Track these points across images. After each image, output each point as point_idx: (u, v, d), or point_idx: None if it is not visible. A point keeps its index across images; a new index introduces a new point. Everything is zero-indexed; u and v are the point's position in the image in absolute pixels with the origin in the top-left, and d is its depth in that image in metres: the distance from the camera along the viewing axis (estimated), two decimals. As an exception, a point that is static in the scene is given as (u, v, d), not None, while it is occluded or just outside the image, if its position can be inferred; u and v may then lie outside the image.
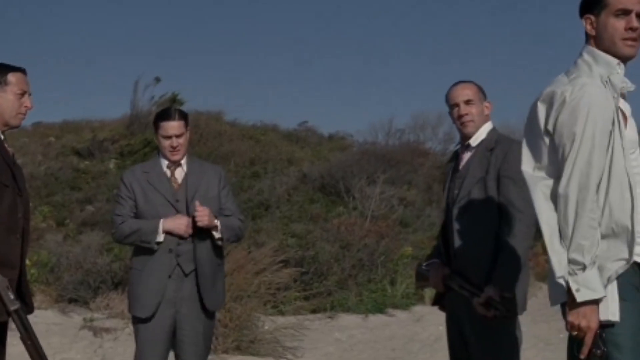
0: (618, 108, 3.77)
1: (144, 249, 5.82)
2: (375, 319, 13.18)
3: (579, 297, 3.65)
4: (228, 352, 10.11)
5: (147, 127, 24.87)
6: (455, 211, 5.15)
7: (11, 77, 5.14)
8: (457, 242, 5.12)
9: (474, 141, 5.23)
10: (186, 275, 5.80)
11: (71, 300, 12.59)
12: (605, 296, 3.67)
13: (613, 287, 3.73)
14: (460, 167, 5.27)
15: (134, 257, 5.99)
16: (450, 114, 5.36)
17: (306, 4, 57.10)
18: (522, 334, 5.16)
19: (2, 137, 5.10)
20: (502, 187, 4.99)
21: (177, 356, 5.97)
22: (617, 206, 3.73)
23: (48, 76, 51.07)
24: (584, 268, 3.65)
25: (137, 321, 5.90)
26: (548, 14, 55.79)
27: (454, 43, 55.50)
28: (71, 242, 16.28)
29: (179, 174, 5.97)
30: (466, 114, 5.22)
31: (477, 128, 5.23)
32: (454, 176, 5.31)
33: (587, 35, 3.89)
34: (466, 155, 5.27)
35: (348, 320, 12.88)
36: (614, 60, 3.80)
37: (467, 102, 5.23)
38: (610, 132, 3.72)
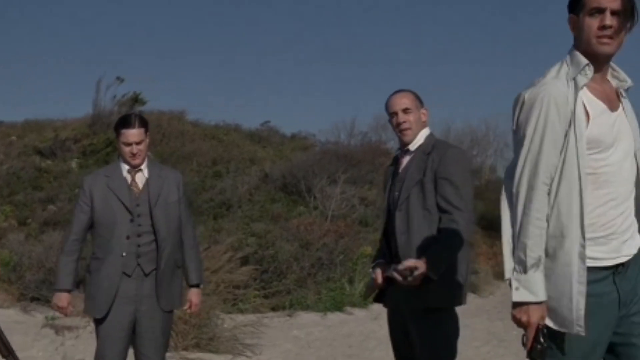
0: (583, 107, 3.77)
1: (98, 252, 6.11)
2: (334, 317, 13.36)
3: (515, 297, 3.73)
4: (188, 349, 10.24)
5: (110, 127, 24.79)
6: (396, 213, 5.37)
7: None
8: (399, 242, 5.32)
9: (412, 146, 5.46)
10: (146, 275, 6.07)
11: (33, 299, 12.71)
12: (544, 300, 3.71)
13: None
14: (400, 170, 5.49)
15: (91, 260, 6.22)
16: (390, 121, 5.61)
17: (269, 3, 57.14)
18: (459, 326, 5.37)
19: None
20: (439, 187, 5.21)
21: (136, 351, 6.18)
22: (565, 208, 3.75)
23: (10, 75, 50.97)
24: (525, 268, 3.72)
25: (96, 320, 6.13)
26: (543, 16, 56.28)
27: (419, 45, 55.77)
28: (33, 242, 16.30)
29: (140, 179, 6.19)
30: (404, 122, 5.47)
31: (415, 135, 5.48)
32: (394, 179, 5.54)
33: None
34: (405, 159, 5.50)
35: (307, 318, 13.05)
36: (584, 62, 3.81)
37: (405, 110, 5.47)
38: (566, 132, 3.74)
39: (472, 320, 11.62)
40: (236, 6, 56.52)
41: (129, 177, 6.19)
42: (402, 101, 5.50)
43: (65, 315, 6.35)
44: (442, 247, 5.15)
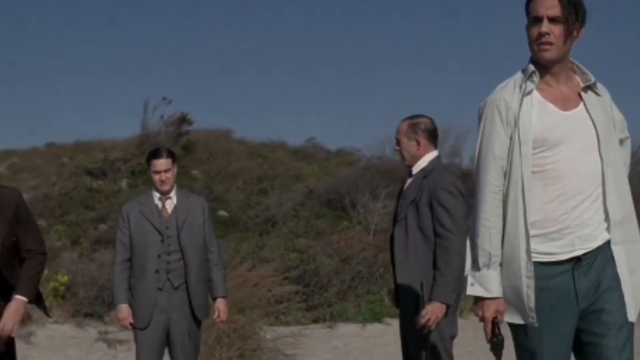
0: (528, 110, 3.90)
1: (136, 271, 6.98)
2: (372, 327, 13.60)
3: (469, 291, 4.01)
4: (232, 359, 10.75)
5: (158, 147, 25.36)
6: (395, 228, 5.94)
7: None
8: (396, 256, 5.89)
9: (415, 169, 6.01)
10: (175, 288, 6.94)
11: (87, 315, 13.27)
12: (498, 297, 3.93)
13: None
14: (404, 189, 6.05)
15: (130, 279, 7.04)
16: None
17: (314, 20, 57.53)
18: (456, 333, 5.99)
19: None
20: (435, 212, 5.73)
21: (171, 356, 7.03)
22: (511, 207, 3.91)
23: (60, 97, 51.81)
24: (478, 266, 3.96)
25: (136, 329, 6.96)
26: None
27: (463, 56, 55.87)
28: (86, 260, 16.83)
29: (169, 205, 7.07)
30: (399, 151, 6.14)
31: (414, 159, 6.03)
32: (399, 198, 6.11)
33: None
34: (408, 181, 6.05)
35: (346, 329, 13.39)
36: (530, 69, 3.94)
37: (396, 140, 6.13)
38: (511, 135, 3.92)
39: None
40: (279, 25, 57.01)
41: (160, 204, 7.07)
42: (400, 129, 6.13)
43: (127, 325, 6.97)
44: (444, 277, 5.63)
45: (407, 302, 5.89)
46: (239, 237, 20.02)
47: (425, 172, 5.93)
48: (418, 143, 6.00)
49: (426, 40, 57.39)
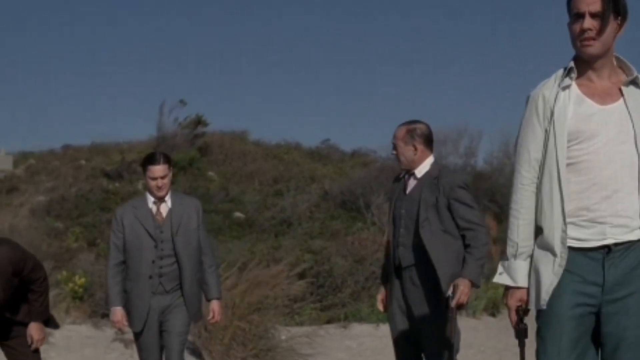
0: (564, 105, 3.97)
1: (131, 274, 6.94)
2: (386, 327, 13.05)
3: (496, 279, 4.13)
4: (247, 359, 10.86)
5: (174, 149, 25.52)
6: (421, 231, 6.07)
7: None
8: (436, 256, 6.02)
9: (419, 172, 6.24)
10: (167, 292, 6.92)
11: (103, 315, 13.34)
12: (523, 287, 4.03)
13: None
14: (408, 192, 6.26)
15: (125, 282, 7.01)
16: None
17: (329, 23, 57.61)
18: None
19: None
20: (456, 210, 6.02)
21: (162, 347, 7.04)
22: (547, 197, 3.97)
23: (77, 99, 52.01)
24: (508, 256, 4.06)
25: (135, 333, 7.03)
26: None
27: (476, 58, 55.81)
28: (102, 262, 16.92)
29: (164, 209, 6.98)
30: (396, 155, 6.35)
31: (411, 163, 6.26)
32: (400, 196, 6.32)
33: None
34: (412, 182, 6.28)
35: (360, 329, 13.42)
36: (570, 65, 4.01)
37: (393, 145, 6.36)
38: (547, 129, 3.99)
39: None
40: (297, 27, 57.11)
41: (154, 208, 6.98)
42: (397, 133, 6.37)
43: (120, 327, 7.12)
44: (476, 259, 5.93)
45: (423, 304, 6.09)
46: (255, 239, 20.14)
47: (432, 175, 6.17)
48: (415, 148, 6.24)
49: (443, 42, 57.37)
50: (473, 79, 56.25)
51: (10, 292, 6.03)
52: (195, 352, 11.01)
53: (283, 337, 11.59)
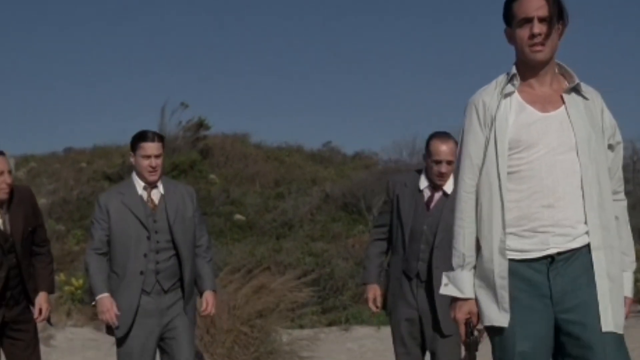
0: (506, 112, 3.93)
1: (117, 269, 6.06)
2: (387, 330, 13.16)
3: (442, 290, 4.05)
4: (248, 363, 10.90)
5: (175, 152, 25.54)
6: (435, 251, 6.03)
7: None
8: (435, 274, 5.97)
9: (448, 189, 6.03)
10: (165, 292, 6.08)
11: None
12: (470, 298, 3.95)
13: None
14: (432, 207, 6.16)
15: (110, 279, 6.10)
16: (428, 161, 6.17)
17: (331, 25, 57.61)
18: None
19: None
20: None
21: (168, 355, 6.18)
22: (486, 205, 3.93)
23: (79, 102, 52.05)
24: (454, 266, 3.99)
25: (117, 338, 6.15)
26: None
27: (479, 59, 55.81)
28: (104, 264, 16.94)
29: (155, 195, 6.15)
30: (446, 173, 6.04)
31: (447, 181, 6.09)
32: (422, 211, 6.18)
33: None
34: (437, 196, 6.16)
35: (361, 331, 13.39)
36: (512, 72, 3.95)
37: (449, 162, 6.00)
38: (487, 136, 3.95)
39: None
40: (297, 29, 57.15)
41: (145, 194, 6.14)
42: (450, 152, 6.01)
43: (112, 318, 5.95)
44: None
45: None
46: (256, 241, 20.15)
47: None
48: None
49: (446, 45, 57.38)
50: (477, 82, 56.08)
51: (29, 230, 6.22)
52: (197, 355, 11.02)
53: (284, 340, 11.59)
